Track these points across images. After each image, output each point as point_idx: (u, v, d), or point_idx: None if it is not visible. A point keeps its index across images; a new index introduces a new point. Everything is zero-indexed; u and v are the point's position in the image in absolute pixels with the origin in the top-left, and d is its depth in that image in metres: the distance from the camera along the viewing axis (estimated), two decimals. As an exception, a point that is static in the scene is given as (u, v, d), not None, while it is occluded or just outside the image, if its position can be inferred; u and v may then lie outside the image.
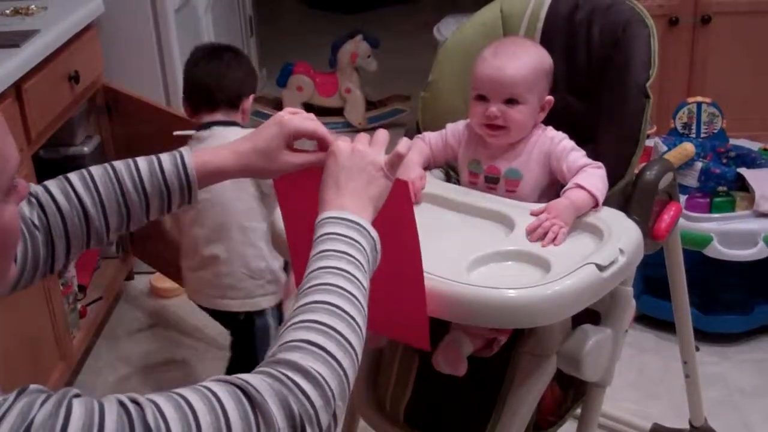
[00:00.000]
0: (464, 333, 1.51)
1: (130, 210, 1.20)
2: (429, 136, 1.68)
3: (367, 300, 1.04)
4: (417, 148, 1.65)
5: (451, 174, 1.73)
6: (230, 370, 2.28)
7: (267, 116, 4.33)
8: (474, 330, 1.51)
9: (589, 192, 1.48)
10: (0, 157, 0.89)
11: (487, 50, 1.59)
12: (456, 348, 1.50)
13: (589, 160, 1.54)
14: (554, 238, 1.42)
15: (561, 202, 1.47)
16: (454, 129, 1.66)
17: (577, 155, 1.55)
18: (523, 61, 1.55)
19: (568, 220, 1.45)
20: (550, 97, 1.59)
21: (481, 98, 1.57)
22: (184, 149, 1.23)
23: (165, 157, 1.21)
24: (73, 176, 1.19)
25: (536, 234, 1.43)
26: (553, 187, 1.58)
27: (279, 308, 2.27)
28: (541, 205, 1.49)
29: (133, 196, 1.19)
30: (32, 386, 0.84)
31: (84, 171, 1.20)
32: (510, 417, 1.53)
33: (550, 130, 1.60)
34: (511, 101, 1.55)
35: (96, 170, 1.20)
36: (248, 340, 2.26)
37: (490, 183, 1.60)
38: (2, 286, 0.99)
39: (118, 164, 1.21)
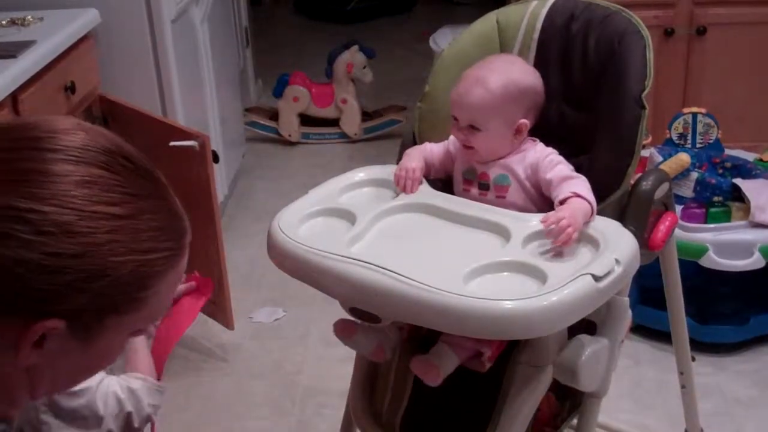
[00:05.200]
0: (449, 345, 1.52)
1: None
2: (431, 145, 1.70)
3: None
4: (420, 148, 1.69)
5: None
6: None
7: (264, 127, 4.37)
8: (459, 342, 1.51)
9: (586, 200, 1.49)
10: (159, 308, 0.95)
11: (468, 70, 1.61)
12: (431, 361, 1.51)
13: (575, 173, 1.55)
14: (567, 240, 1.42)
15: (569, 208, 1.47)
16: (456, 139, 1.68)
17: (563, 167, 1.57)
18: (486, 88, 1.56)
19: (580, 224, 1.46)
20: (523, 121, 1.59)
21: (455, 118, 1.61)
22: None
23: None
24: None
25: (555, 231, 1.43)
26: (542, 196, 1.59)
27: None
28: (540, 215, 1.49)
29: None
30: None
31: None
32: (506, 428, 1.53)
33: (540, 144, 1.62)
34: (472, 127, 1.58)
35: None
36: None
37: (482, 189, 1.62)
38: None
39: None
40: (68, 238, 0.82)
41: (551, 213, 1.47)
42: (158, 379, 1.49)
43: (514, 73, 1.60)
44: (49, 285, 0.83)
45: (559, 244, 1.43)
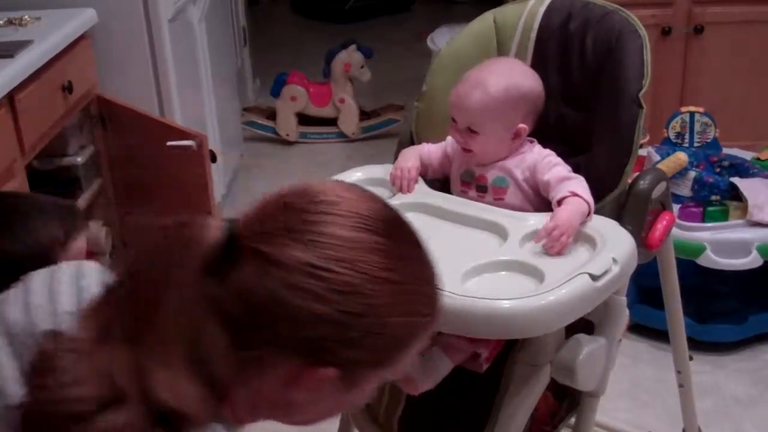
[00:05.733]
0: (443, 349, 1.51)
1: None
2: (428, 146, 1.70)
3: None
4: (416, 148, 1.69)
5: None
6: None
7: (262, 127, 4.36)
8: (455, 344, 1.51)
9: (584, 199, 1.49)
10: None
11: (468, 72, 1.61)
12: (409, 373, 1.50)
13: (572, 174, 1.55)
14: (560, 248, 1.44)
15: (565, 211, 1.47)
16: (453, 140, 1.67)
17: (560, 169, 1.57)
18: (486, 91, 1.56)
19: (576, 226, 1.46)
20: (522, 126, 1.59)
21: (454, 120, 1.60)
22: None
23: None
24: None
25: (547, 241, 1.44)
26: (539, 197, 1.59)
27: None
28: (542, 215, 1.49)
29: None
30: None
31: None
32: (504, 427, 1.53)
33: (538, 146, 1.62)
34: (470, 130, 1.58)
35: None
36: None
37: (480, 191, 1.62)
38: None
39: None
40: (356, 298, 0.92)
41: (543, 224, 1.47)
42: None
43: (515, 77, 1.59)
44: (332, 337, 0.92)
45: (554, 252, 1.44)
